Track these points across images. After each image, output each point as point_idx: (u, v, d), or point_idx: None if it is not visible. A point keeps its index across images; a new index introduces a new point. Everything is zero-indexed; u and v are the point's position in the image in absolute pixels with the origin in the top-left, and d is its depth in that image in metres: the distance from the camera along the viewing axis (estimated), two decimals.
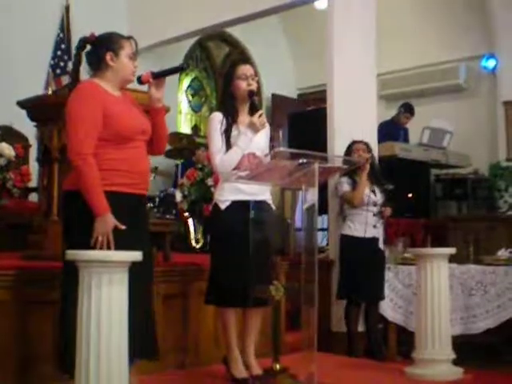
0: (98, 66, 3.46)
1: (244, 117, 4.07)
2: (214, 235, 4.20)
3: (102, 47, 3.44)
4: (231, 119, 4.03)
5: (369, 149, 5.69)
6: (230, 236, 3.96)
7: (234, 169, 3.93)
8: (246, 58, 3.88)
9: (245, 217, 3.95)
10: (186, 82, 10.65)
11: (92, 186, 3.25)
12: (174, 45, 8.93)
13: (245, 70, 4.06)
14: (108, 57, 3.42)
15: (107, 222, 3.24)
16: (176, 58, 9.65)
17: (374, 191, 5.61)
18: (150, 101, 3.57)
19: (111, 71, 3.44)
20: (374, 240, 5.58)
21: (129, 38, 3.52)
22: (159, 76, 3.56)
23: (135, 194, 3.44)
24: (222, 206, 4.01)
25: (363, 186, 5.52)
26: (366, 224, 5.52)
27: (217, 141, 3.99)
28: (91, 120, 3.29)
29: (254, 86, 4.05)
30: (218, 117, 4.04)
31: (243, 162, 3.94)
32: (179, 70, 3.62)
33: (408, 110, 8.50)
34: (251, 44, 10.75)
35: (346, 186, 5.59)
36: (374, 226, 5.55)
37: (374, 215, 5.55)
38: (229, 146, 3.97)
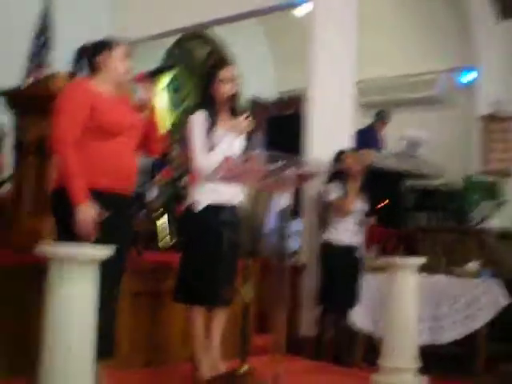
0: (91, 67, 3.58)
1: (225, 118, 4.08)
2: (187, 234, 4.18)
3: (93, 51, 3.56)
4: (211, 121, 4.02)
5: (359, 158, 5.72)
6: (203, 236, 3.97)
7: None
8: (227, 59, 3.86)
9: (218, 218, 3.96)
10: (167, 78, 10.60)
11: (70, 174, 3.28)
12: (155, 42, 8.90)
13: (227, 73, 4.07)
14: (99, 59, 3.54)
15: (86, 211, 3.25)
16: (156, 56, 9.65)
17: (360, 199, 5.65)
18: (142, 101, 3.65)
19: (105, 72, 3.55)
20: (355, 248, 5.62)
21: (120, 40, 3.62)
22: (150, 76, 3.65)
23: (117, 193, 3.45)
24: (199, 207, 4.01)
25: (354, 195, 5.54)
26: (348, 232, 5.56)
27: (198, 142, 3.99)
28: (71, 112, 3.35)
29: (235, 90, 4.07)
30: (199, 117, 4.03)
31: (223, 165, 3.93)
32: (168, 69, 3.67)
33: (384, 116, 8.55)
34: (232, 45, 10.73)
35: (333, 193, 5.60)
36: (356, 234, 5.59)
37: (357, 223, 5.59)
38: (212, 145, 3.97)
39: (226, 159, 3.91)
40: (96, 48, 3.57)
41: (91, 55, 3.56)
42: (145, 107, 3.65)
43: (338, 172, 5.51)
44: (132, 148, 3.57)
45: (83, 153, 3.35)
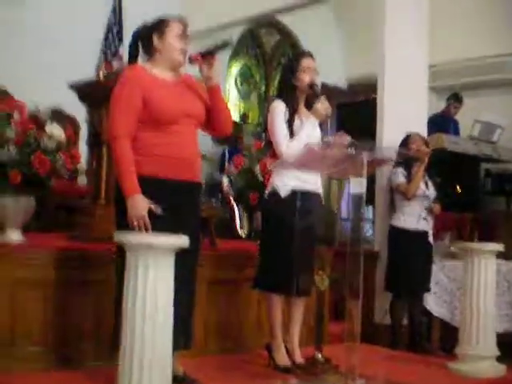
0: (147, 50, 3.51)
1: (302, 107, 4.10)
2: (270, 221, 4.12)
3: (149, 31, 3.48)
4: (292, 109, 4.04)
5: (426, 142, 5.65)
6: (287, 224, 3.93)
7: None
8: (309, 51, 3.90)
9: (304, 205, 3.94)
10: (236, 69, 10.65)
11: (122, 167, 3.28)
12: (226, 31, 8.92)
13: (309, 63, 4.10)
14: (154, 37, 3.45)
15: (137, 203, 3.23)
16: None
17: (426, 184, 5.58)
18: (204, 80, 3.57)
19: (159, 54, 3.47)
20: (424, 233, 5.55)
21: (177, 18, 3.52)
22: (207, 54, 3.52)
23: (177, 180, 3.40)
24: (283, 194, 4.00)
25: (419, 179, 5.49)
26: (416, 217, 5.50)
27: (282, 129, 4.00)
28: (127, 103, 3.33)
29: (316, 81, 4.06)
30: (280, 105, 4.05)
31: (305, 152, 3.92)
32: (224, 46, 3.60)
33: (456, 99, 8.38)
34: (302, 32, 10.69)
35: (401, 177, 5.55)
36: (425, 219, 5.52)
37: (426, 208, 5.52)
38: (292, 134, 3.98)
39: (306, 145, 3.91)
40: (151, 27, 3.49)
41: (147, 35, 3.48)
42: (209, 85, 3.56)
43: (406, 156, 5.43)
44: (192, 134, 3.51)
45: (141, 142, 3.34)
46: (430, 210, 5.57)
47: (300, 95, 4.11)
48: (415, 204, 5.52)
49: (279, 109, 4.04)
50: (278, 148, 4.01)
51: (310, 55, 4.19)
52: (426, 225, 5.56)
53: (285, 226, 3.95)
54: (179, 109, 3.43)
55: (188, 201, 3.50)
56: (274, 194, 4.04)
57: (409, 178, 5.53)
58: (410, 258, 5.43)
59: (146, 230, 3.22)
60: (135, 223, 3.22)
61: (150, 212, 3.26)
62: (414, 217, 5.51)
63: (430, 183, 5.63)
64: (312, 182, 4.04)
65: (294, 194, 3.98)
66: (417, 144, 5.57)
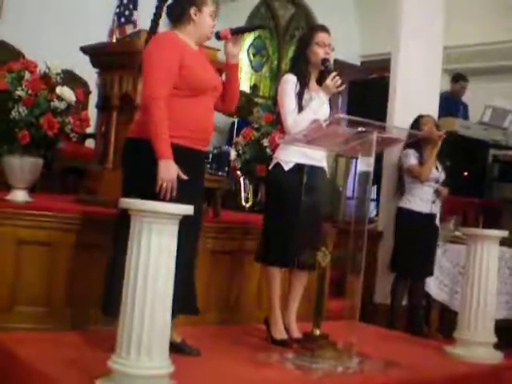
0: (180, 19, 3.53)
1: (313, 83, 4.07)
2: (272, 195, 4.13)
3: (186, 1, 3.51)
4: (303, 82, 4.01)
5: (437, 124, 5.63)
6: (289, 198, 3.95)
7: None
8: (325, 26, 3.85)
9: (308, 178, 3.95)
10: (249, 40, 10.59)
11: (159, 129, 3.27)
12: (240, 2, 8.87)
13: (324, 37, 4.05)
14: (192, 11, 3.49)
15: (170, 167, 3.27)
16: (241, 16, 9.61)
17: (436, 167, 5.56)
18: (226, 56, 3.66)
19: (193, 25, 3.52)
20: (432, 216, 5.56)
21: None
22: (237, 33, 3.62)
23: (195, 150, 3.47)
24: (286, 167, 4.00)
25: (433, 161, 5.48)
26: (425, 199, 5.50)
27: (291, 102, 3.98)
28: (167, 67, 3.34)
29: (329, 56, 4.03)
30: (292, 79, 4.03)
31: (313, 126, 3.91)
32: (257, 28, 3.65)
33: (461, 78, 8.31)
34: (317, 6, 10.60)
35: (413, 159, 5.53)
36: (433, 202, 5.52)
37: (434, 191, 5.52)
38: (300, 108, 3.96)
39: (315, 121, 3.90)
40: None
41: (186, 5, 3.50)
42: (231, 63, 3.64)
43: (416, 138, 5.41)
44: (212, 106, 3.58)
45: (171, 108, 3.34)
46: (438, 193, 5.56)
47: (312, 70, 4.08)
48: (425, 187, 5.51)
49: (290, 82, 4.02)
50: (285, 121, 4.00)
51: (326, 30, 4.15)
52: (435, 208, 5.56)
53: (287, 200, 3.96)
54: (210, 79, 3.52)
55: (200, 170, 3.61)
56: (278, 167, 4.04)
57: (420, 160, 5.51)
58: (417, 241, 5.44)
59: (172, 194, 3.26)
60: (164, 185, 3.25)
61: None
62: (423, 200, 5.51)
63: (439, 166, 5.62)
64: (317, 157, 4.03)
65: (296, 168, 3.98)
66: (429, 126, 5.55)
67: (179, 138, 3.37)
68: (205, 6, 3.50)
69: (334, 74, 3.91)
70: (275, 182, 4.08)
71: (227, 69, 3.70)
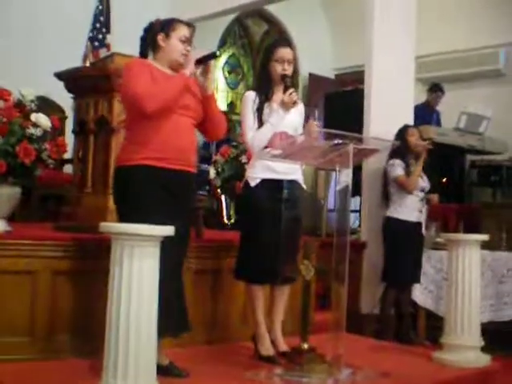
0: (152, 46, 3.62)
1: (278, 96, 4.07)
2: (243, 212, 4.21)
3: (156, 29, 3.60)
4: (264, 98, 4.04)
5: (421, 135, 5.69)
6: (259, 213, 3.98)
7: (266, 147, 3.94)
8: (287, 40, 3.83)
9: (274, 195, 3.97)
10: (223, 58, 10.63)
11: (165, 94, 3.37)
12: (214, 20, 8.91)
13: (283, 53, 4.06)
14: (160, 37, 3.57)
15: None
16: (215, 35, 9.66)
17: (421, 177, 5.60)
18: (200, 89, 3.64)
19: (162, 52, 3.58)
20: (418, 225, 5.59)
21: (185, 23, 3.66)
22: (199, 62, 3.57)
23: (173, 170, 3.45)
24: (252, 184, 4.02)
25: (419, 172, 5.51)
26: (412, 208, 5.52)
27: (249, 118, 4.01)
28: (143, 75, 3.39)
29: (288, 71, 4.04)
30: (251, 95, 4.07)
31: (275, 140, 3.95)
32: (212, 57, 3.63)
33: (440, 89, 8.40)
34: (290, 22, 10.68)
35: (399, 169, 5.56)
36: (420, 211, 5.56)
37: (421, 200, 5.55)
38: (261, 124, 3.99)
39: (279, 134, 3.93)
40: (160, 26, 3.61)
41: (155, 33, 3.59)
42: (204, 95, 3.63)
43: (401, 148, 5.44)
44: (189, 125, 3.57)
45: (140, 131, 3.39)
46: (427, 201, 5.61)
47: (276, 85, 4.09)
48: (412, 196, 5.54)
49: (248, 99, 4.06)
50: (244, 138, 4.06)
51: (286, 44, 4.19)
52: (421, 216, 5.60)
53: (256, 216, 3.99)
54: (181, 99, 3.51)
55: (183, 190, 3.55)
56: (246, 185, 4.07)
57: (407, 170, 5.54)
58: (405, 250, 5.47)
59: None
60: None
61: (149, 201, 3.34)
62: (410, 209, 5.54)
63: (424, 176, 5.65)
64: (285, 171, 4.01)
65: (263, 183, 4.00)
66: (415, 137, 5.60)
67: (152, 159, 3.38)
68: (172, 32, 3.56)
69: (290, 90, 3.94)
70: (244, 199, 4.13)
71: (203, 101, 3.65)
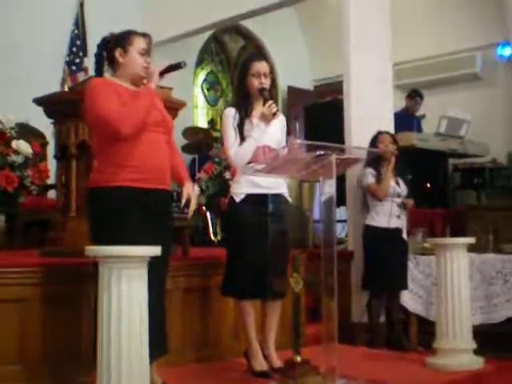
0: (110, 63, 3.54)
1: (258, 110, 4.07)
2: (229, 228, 4.21)
3: (112, 45, 3.50)
4: (244, 113, 4.04)
5: (394, 140, 5.69)
6: (244, 228, 3.97)
7: (250, 162, 3.94)
8: (261, 54, 3.84)
9: (259, 210, 3.96)
10: (202, 75, 10.65)
11: (136, 113, 3.32)
12: (190, 38, 8.94)
13: (259, 67, 4.07)
14: (117, 53, 3.48)
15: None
16: (191, 52, 9.68)
17: (397, 182, 5.62)
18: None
19: (122, 67, 3.49)
20: (398, 230, 5.58)
21: (141, 34, 3.54)
22: (163, 73, 3.54)
23: (148, 189, 3.39)
24: (237, 199, 4.02)
25: (388, 178, 5.51)
26: (389, 215, 5.52)
27: (230, 135, 4.02)
28: (108, 95, 3.31)
29: (266, 85, 4.05)
30: (230, 112, 4.08)
31: (258, 154, 3.96)
32: (177, 67, 3.60)
33: (417, 94, 8.45)
34: (266, 37, 10.74)
35: (370, 177, 5.57)
36: (398, 217, 5.56)
37: (398, 206, 5.56)
38: (242, 139, 4.00)
39: (263, 148, 3.94)
40: (116, 41, 3.51)
41: (111, 48, 3.49)
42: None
43: (374, 155, 5.46)
44: (162, 143, 3.49)
45: (114, 153, 3.33)
46: (403, 206, 5.60)
47: (254, 100, 4.10)
48: (387, 203, 5.54)
49: (228, 115, 4.06)
50: (227, 155, 4.06)
51: (260, 58, 4.20)
52: (400, 222, 5.60)
53: (241, 232, 3.98)
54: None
55: (161, 209, 3.50)
56: (231, 200, 4.07)
57: (378, 177, 5.55)
58: (385, 257, 5.46)
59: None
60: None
61: (131, 222, 3.30)
62: (387, 215, 5.53)
63: (400, 181, 5.66)
64: (268, 185, 4.01)
65: (248, 198, 4.00)
66: (384, 143, 5.60)
67: (131, 180, 3.33)
68: (130, 46, 3.46)
69: (269, 102, 3.96)
70: (230, 215, 4.13)
71: None
